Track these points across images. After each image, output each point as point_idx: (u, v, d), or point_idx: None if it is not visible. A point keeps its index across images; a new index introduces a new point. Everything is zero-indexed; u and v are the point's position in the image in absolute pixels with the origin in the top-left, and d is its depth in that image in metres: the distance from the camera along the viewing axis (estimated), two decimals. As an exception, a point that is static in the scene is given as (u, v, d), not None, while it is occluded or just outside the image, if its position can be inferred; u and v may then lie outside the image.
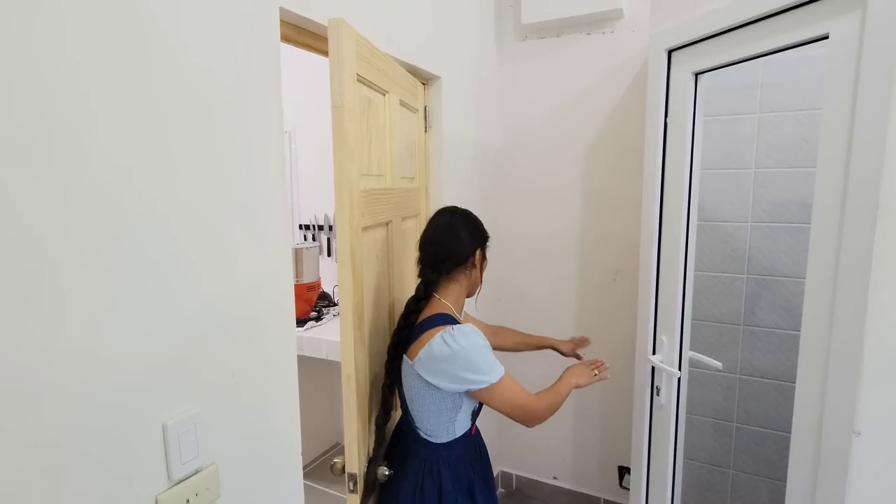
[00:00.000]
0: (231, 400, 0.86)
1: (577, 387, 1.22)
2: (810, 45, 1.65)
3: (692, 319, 1.72)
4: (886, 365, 0.82)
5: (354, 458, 1.08)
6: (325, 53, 1.02)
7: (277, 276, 0.95)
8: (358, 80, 1.07)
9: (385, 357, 1.21)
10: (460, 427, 1.17)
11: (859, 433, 0.83)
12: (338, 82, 0.98)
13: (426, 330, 1.10)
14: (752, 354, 1.84)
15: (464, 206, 1.27)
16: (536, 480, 2.33)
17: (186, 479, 0.78)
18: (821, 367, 0.89)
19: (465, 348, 1.06)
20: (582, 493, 2.23)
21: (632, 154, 1.91)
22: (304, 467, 2.50)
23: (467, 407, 1.16)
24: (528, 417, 1.13)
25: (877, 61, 0.80)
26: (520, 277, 2.25)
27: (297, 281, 2.24)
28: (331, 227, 2.61)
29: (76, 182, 0.60)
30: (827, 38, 0.89)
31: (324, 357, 2.04)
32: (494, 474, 1.54)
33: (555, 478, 2.30)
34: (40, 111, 0.56)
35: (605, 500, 2.19)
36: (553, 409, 1.17)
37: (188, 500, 0.79)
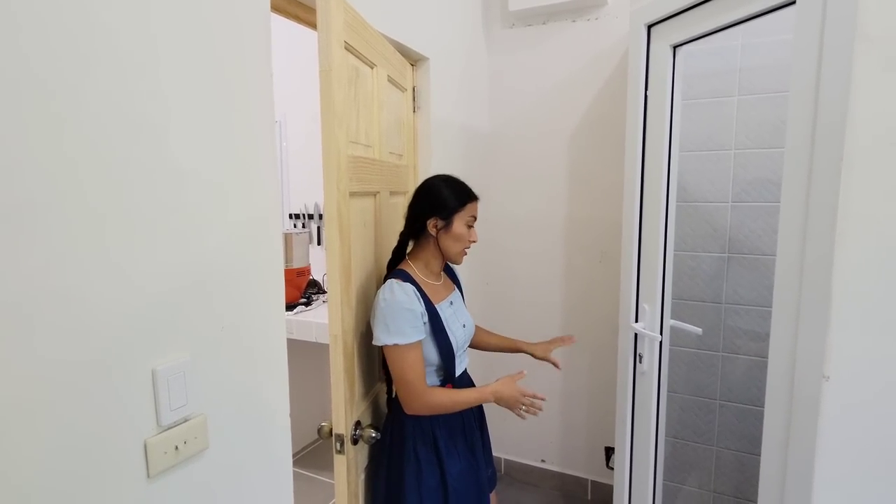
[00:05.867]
0: (221, 353, 0.87)
1: (495, 401, 1.16)
2: (785, 30, 1.71)
3: (674, 298, 1.76)
4: (853, 311, 0.86)
5: (341, 419, 1.10)
6: (314, 26, 1.05)
7: (268, 233, 0.96)
8: (346, 49, 1.09)
9: None
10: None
11: (828, 377, 0.87)
12: (325, 47, 1.00)
13: (383, 284, 1.16)
14: (734, 332, 1.89)
15: None
16: (525, 464, 2.35)
17: (175, 425, 0.79)
18: (793, 316, 0.93)
19: (386, 302, 1.10)
20: (570, 475, 2.26)
21: (616, 138, 1.95)
22: (295, 454, 2.49)
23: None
24: (406, 398, 1.11)
25: (837, 27, 0.84)
26: (508, 260, 2.28)
27: (287, 266, 2.25)
28: (321, 216, 2.63)
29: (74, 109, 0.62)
30: (794, 3, 0.93)
31: (314, 340, 2.05)
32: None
33: (543, 461, 2.32)
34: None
35: (593, 482, 2.21)
36: (440, 409, 1.13)
37: (177, 447, 0.80)
